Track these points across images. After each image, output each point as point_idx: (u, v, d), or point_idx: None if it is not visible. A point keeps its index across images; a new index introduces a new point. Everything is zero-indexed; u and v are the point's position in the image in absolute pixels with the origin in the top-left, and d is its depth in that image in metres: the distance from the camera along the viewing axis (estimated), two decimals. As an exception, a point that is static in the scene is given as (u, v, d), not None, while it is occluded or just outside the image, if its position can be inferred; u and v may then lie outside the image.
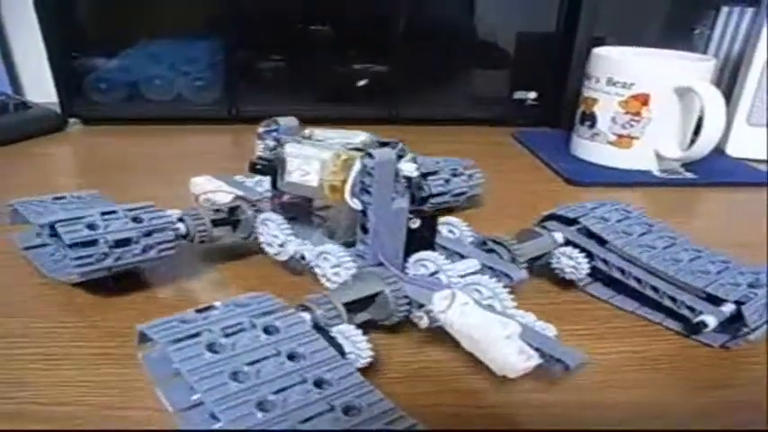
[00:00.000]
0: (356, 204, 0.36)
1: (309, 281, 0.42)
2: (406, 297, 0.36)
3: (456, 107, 0.87)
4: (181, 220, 0.43)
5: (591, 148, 0.74)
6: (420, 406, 0.33)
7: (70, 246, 0.38)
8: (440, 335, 0.36)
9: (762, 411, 0.34)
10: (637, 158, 0.71)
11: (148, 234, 0.40)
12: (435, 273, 0.38)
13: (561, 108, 0.84)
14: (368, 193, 0.36)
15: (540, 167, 0.75)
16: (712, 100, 0.65)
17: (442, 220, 0.42)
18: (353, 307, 0.35)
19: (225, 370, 0.28)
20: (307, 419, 0.26)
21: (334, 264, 0.38)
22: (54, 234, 0.39)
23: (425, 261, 0.38)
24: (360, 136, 0.38)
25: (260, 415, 0.26)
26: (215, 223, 0.44)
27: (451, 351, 0.36)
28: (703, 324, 0.37)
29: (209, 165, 0.57)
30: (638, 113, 0.69)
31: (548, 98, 0.87)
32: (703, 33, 0.83)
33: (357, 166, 0.36)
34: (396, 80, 0.85)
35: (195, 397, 0.33)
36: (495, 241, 0.41)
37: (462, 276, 0.37)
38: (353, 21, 0.83)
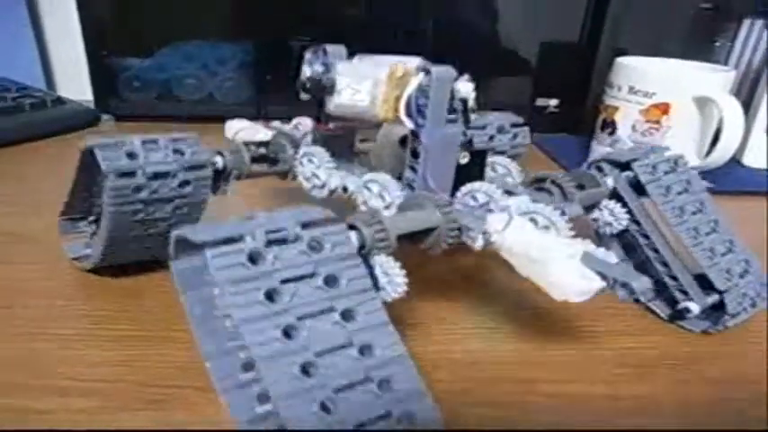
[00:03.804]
0: (409, 123, 0.33)
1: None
2: (457, 225, 0.32)
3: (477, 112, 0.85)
4: (219, 153, 0.39)
5: (610, 155, 0.71)
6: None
7: (107, 174, 0.35)
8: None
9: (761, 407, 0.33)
10: (655, 166, 0.68)
11: (188, 168, 0.37)
12: (486, 204, 0.34)
13: (582, 115, 0.82)
14: (421, 114, 0.33)
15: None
16: (731, 110, 0.63)
17: (489, 159, 0.39)
18: (403, 239, 0.31)
19: (262, 287, 0.24)
20: (325, 351, 0.24)
21: (378, 191, 0.34)
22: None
23: (476, 192, 0.34)
24: (413, 60, 0.34)
25: (284, 341, 0.23)
26: (253, 159, 0.40)
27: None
28: (687, 310, 0.37)
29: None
30: (657, 122, 0.67)
31: (569, 105, 0.84)
32: (725, 45, 0.81)
33: (414, 82, 0.32)
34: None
35: (219, 313, 0.29)
36: (551, 180, 0.37)
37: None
38: (378, 31, 0.81)
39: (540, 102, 0.84)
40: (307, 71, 0.36)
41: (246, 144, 0.41)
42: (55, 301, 0.38)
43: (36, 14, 0.90)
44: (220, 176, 0.39)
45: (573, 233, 0.32)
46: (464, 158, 0.35)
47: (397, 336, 0.25)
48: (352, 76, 0.34)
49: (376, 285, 0.27)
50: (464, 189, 0.35)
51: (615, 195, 0.40)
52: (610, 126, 0.70)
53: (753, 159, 0.74)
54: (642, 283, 0.28)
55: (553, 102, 0.84)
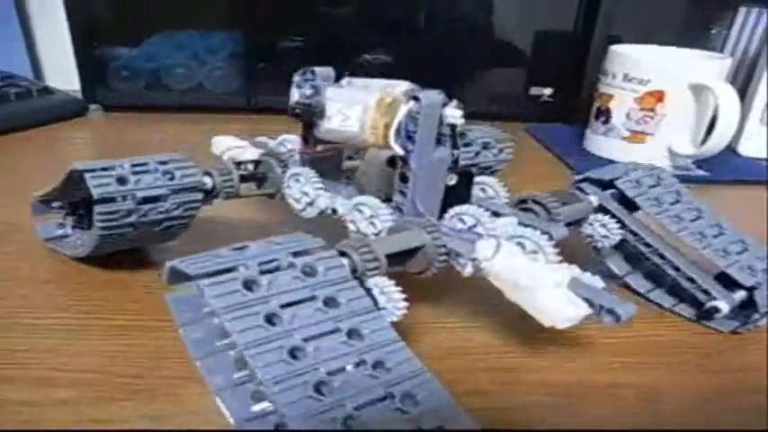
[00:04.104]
0: (399, 149, 0.33)
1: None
2: (446, 248, 0.33)
3: (472, 102, 0.85)
4: (208, 173, 0.39)
5: (604, 144, 0.71)
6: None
7: (97, 201, 0.35)
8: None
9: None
10: (649, 155, 0.67)
11: (178, 191, 0.37)
12: (474, 227, 0.35)
13: (576, 104, 0.81)
14: (411, 139, 0.33)
15: (553, 162, 0.72)
16: (727, 98, 0.63)
17: (476, 179, 0.39)
18: (393, 260, 0.32)
19: (260, 311, 0.25)
20: (337, 370, 0.24)
21: (369, 215, 0.35)
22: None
23: (464, 215, 0.35)
24: (402, 85, 0.35)
25: (291, 362, 0.24)
26: (242, 179, 0.40)
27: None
28: (716, 309, 0.36)
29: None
30: (652, 110, 0.67)
31: (563, 94, 0.84)
32: (720, 33, 0.81)
33: (404, 109, 0.33)
34: (415, 74, 0.82)
35: (223, 342, 0.30)
36: (534, 200, 0.38)
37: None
38: (373, 22, 0.80)
39: (535, 91, 0.84)
40: (295, 95, 0.37)
41: (236, 163, 0.41)
42: (43, 290, 0.39)
43: (22, 3, 0.89)
44: (209, 195, 0.40)
45: (560, 258, 0.32)
46: (451, 180, 0.36)
47: (410, 351, 0.26)
48: (342, 102, 0.35)
49: (377, 307, 0.28)
50: (452, 212, 0.35)
51: (602, 209, 0.40)
52: (604, 114, 0.71)
53: (748, 148, 0.75)
54: (627, 311, 0.29)
55: (547, 91, 0.84)
